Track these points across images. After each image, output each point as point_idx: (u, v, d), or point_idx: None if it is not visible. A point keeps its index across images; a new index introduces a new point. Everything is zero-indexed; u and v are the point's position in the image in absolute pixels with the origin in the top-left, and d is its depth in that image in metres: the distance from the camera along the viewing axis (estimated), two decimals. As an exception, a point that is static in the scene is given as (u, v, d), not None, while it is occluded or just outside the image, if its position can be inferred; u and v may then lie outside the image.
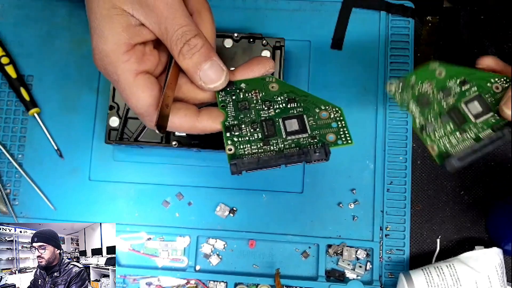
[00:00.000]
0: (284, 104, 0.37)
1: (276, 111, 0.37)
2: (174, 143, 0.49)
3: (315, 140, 0.35)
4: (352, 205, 0.51)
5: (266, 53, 0.50)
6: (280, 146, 0.35)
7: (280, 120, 0.36)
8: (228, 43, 0.51)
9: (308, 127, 0.36)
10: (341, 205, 0.51)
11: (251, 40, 0.50)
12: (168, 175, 0.53)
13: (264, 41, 0.50)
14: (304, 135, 0.36)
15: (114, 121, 0.50)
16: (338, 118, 0.36)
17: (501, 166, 0.52)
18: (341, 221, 0.51)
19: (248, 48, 0.50)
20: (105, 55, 0.35)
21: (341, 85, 0.53)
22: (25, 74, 0.55)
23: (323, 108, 0.37)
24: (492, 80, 0.37)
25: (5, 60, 0.53)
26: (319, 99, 0.37)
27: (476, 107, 0.36)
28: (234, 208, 0.52)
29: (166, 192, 0.52)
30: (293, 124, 0.36)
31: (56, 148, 0.53)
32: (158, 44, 0.38)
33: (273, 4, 0.55)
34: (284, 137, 0.36)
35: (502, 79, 0.37)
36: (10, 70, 0.53)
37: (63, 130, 0.54)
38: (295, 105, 0.37)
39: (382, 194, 0.51)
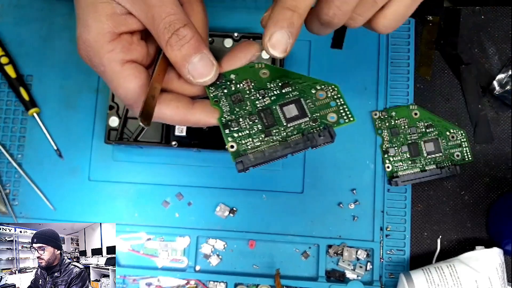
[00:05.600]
0: (278, 90, 0.36)
1: (272, 99, 0.35)
2: (174, 143, 0.49)
3: (317, 123, 0.34)
4: (352, 205, 0.51)
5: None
6: (282, 134, 0.34)
7: (278, 107, 0.35)
8: (228, 43, 0.50)
9: (307, 111, 0.35)
10: (341, 205, 0.51)
11: (251, 39, 0.50)
12: (168, 175, 0.53)
13: (264, 41, 0.50)
14: (305, 120, 0.34)
15: (114, 121, 0.50)
16: (335, 96, 0.35)
17: (501, 165, 0.52)
18: (341, 221, 0.51)
19: (248, 48, 0.50)
20: (89, 45, 0.34)
21: (341, 85, 0.53)
22: (25, 74, 0.55)
23: (318, 88, 0.35)
24: (318, 87, 0.36)
25: (4, 59, 0.53)
26: (313, 79, 0.36)
27: (291, 110, 0.35)
28: (234, 208, 0.52)
29: (166, 192, 0.52)
30: (291, 110, 0.35)
31: (55, 148, 0.53)
32: (146, 35, 0.36)
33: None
34: (285, 124, 0.34)
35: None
36: (9, 70, 0.53)
37: (62, 130, 0.54)
38: (290, 89, 0.35)
39: (382, 194, 0.51)
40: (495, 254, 0.46)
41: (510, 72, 0.52)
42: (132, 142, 0.50)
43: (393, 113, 0.52)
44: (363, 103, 0.53)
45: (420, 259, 0.51)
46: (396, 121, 0.52)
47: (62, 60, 0.55)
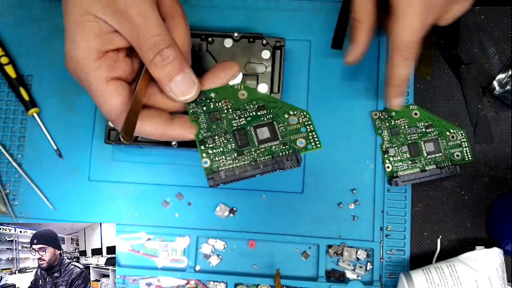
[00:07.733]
0: (254, 112, 0.38)
1: (247, 120, 0.38)
2: (174, 143, 0.49)
3: (286, 147, 0.37)
4: (352, 205, 0.51)
5: (266, 53, 0.50)
6: (253, 155, 0.37)
7: (252, 129, 0.37)
8: (228, 43, 0.50)
9: (279, 134, 0.37)
10: (341, 205, 0.51)
11: (251, 40, 0.50)
12: (168, 175, 0.53)
13: (264, 41, 0.50)
14: (276, 143, 0.37)
15: (114, 121, 0.50)
16: (306, 123, 0.38)
17: (501, 165, 0.52)
18: (341, 221, 0.51)
19: (248, 48, 0.50)
20: (76, 61, 0.36)
21: (341, 85, 0.53)
22: (25, 74, 0.55)
23: (291, 113, 0.38)
24: (291, 112, 0.38)
25: (4, 60, 0.53)
26: (287, 104, 0.38)
27: (264, 132, 0.37)
28: (234, 208, 0.52)
29: (166, 192, 0.52)
30: (264, 132, 0.37)
31: (55, 148, 0.53)
32: (131, 51, 0.37)
33: (273, 3, 0.55)
34: (257, 145, 0.37)
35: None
36: (9, 70, 0.53)
37: (62, 130, 0.54)
38: (265, 112, 0.38)
39: (382, 194, 0.51)
40: (495, 254, 0.46)
41: (510, 72, 0.52)
42: (132, 142, 0.50)
43: (393, 113, 0.52)
44: (363, 103, 0.53)
45: (420, 259, 0.51)
46: (396, 121, 0.52)
47: (62, 60, 0.54)
